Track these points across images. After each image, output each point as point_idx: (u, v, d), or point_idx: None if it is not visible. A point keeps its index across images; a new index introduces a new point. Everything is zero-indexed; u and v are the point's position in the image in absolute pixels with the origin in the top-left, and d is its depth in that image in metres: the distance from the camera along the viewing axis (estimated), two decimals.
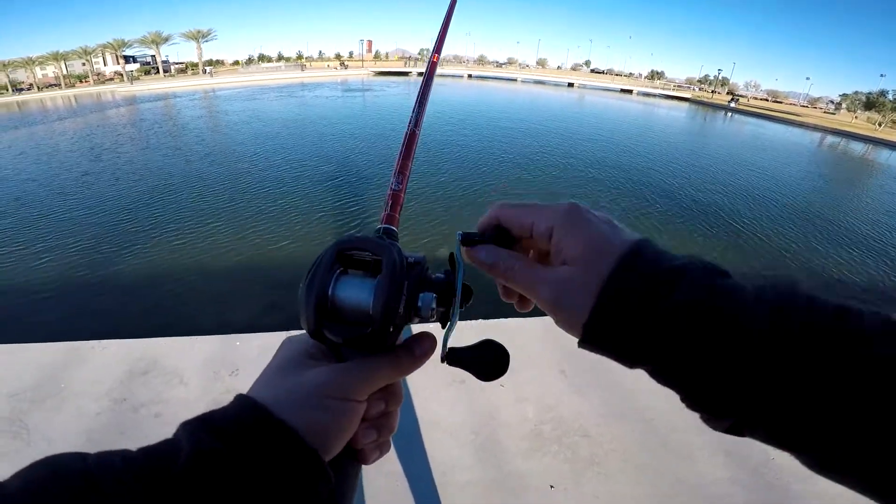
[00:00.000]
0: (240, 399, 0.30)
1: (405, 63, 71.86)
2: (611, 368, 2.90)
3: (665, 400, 2.47)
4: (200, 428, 0.27)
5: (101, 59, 60.53)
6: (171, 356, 2.63)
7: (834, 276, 6.71)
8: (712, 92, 72.67)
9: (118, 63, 59.20)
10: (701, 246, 7.35)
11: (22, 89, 47.89)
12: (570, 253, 0.32)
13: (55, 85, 50.86)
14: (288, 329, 2.86)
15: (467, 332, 3.02)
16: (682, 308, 0.27)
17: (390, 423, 0.38)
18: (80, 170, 11.89)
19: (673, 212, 8.93)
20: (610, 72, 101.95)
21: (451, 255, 0.36)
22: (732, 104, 51.35)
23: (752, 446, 2.30)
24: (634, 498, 2.05)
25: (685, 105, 50.78)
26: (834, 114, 64.51)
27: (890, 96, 49.97)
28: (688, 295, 0.27)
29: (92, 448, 0.26)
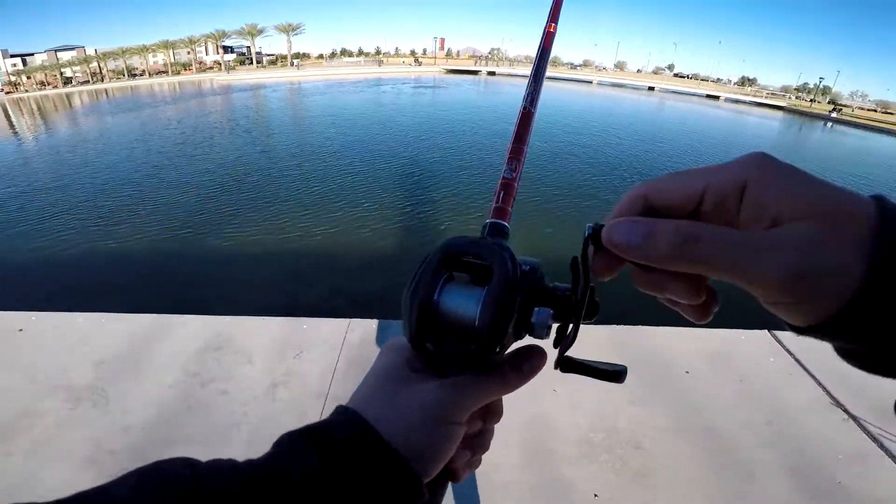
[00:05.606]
0: (345, 414, 0.30)
1: (475, 62, 71.91)
2: (680, 380, 2.73)
3: (734, 419, 2.44)
4: (307, 444, 0.27)
5: (203, 49, 66.54)
6: (243, 334, 2.74)
7: None
8: (811, 101, 64.91)
9: (218, 52, 64.79)
10: None
11: (136, 75, 53.94)
12: (789, 209, 0.23)
13: (163, 72, 56.70)
14: (351, 317, 3.01)
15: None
16: None
17: (485, 441, 0.36)
18: (175, 153, 13.07)
19: None
20: (695, 77, 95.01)
21: (574, 259, 0.30)
22: (834, 114, 44.55)
23: (822, 471, 2.15)
24: None
25: (779, 114, 45.32)
26: None
27: None
28: None
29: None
